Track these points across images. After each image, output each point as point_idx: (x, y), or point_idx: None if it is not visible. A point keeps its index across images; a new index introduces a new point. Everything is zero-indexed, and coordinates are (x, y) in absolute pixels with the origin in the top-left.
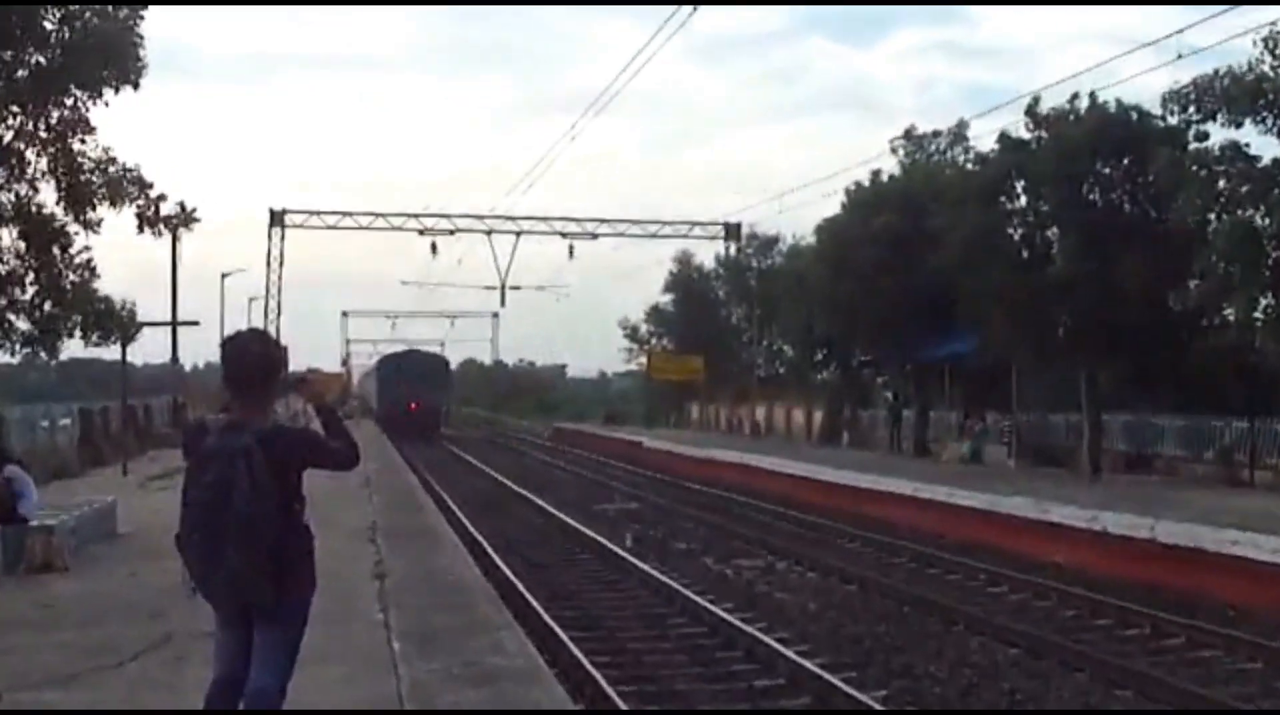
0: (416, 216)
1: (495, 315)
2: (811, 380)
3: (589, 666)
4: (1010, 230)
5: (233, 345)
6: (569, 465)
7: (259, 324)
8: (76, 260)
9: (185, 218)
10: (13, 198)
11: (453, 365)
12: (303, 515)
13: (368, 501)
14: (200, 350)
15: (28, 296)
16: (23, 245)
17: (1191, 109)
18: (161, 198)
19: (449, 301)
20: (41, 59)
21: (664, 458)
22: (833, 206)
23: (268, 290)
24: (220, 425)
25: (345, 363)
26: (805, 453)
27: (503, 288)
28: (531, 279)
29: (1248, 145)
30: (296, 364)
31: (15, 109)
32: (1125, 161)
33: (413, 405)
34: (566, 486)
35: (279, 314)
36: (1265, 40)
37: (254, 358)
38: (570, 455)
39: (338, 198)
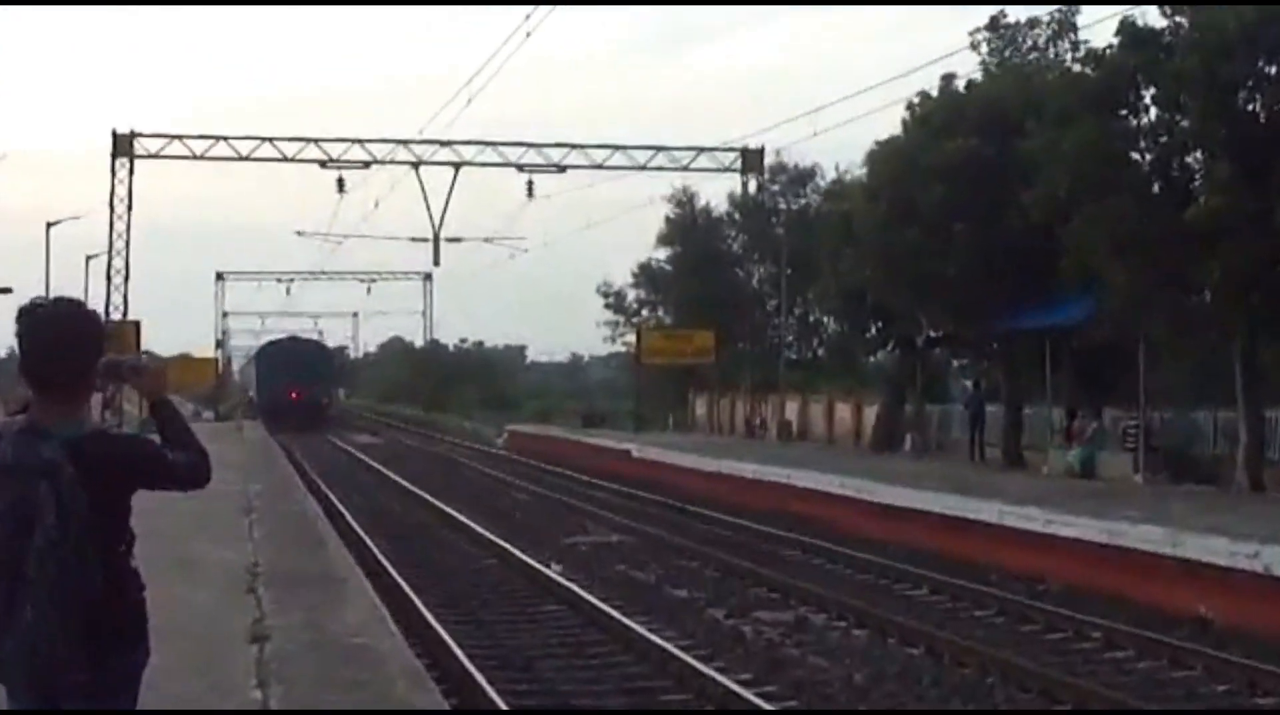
0: (316, 142)
1: (428, 278)
2: (861, 364)
3: None
4: (1136, 155)
5: (31, 320)
6: (527, 481)
7: (100, 288)
8: None
9: None
10: None
11: (374, 344)
12: (130, 557)
13: (247, 532)
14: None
15: None
16: None
17: None
18: None
19: (364, 258)
20: None
21: (659, 472)
22: (889, 125)
23: (111, 244)
24: (14, 431)
25: (220, 345)
26: (852, 463)
27: (436, 240)
28: (476, 229)
29: None
30: (150, 348)
31: None
32: None
33: (293, 395)
34: (525, 510)
35: (126, 277)
36: None
37: (61, 337)
38: (530, 469)
39: (207, 120)
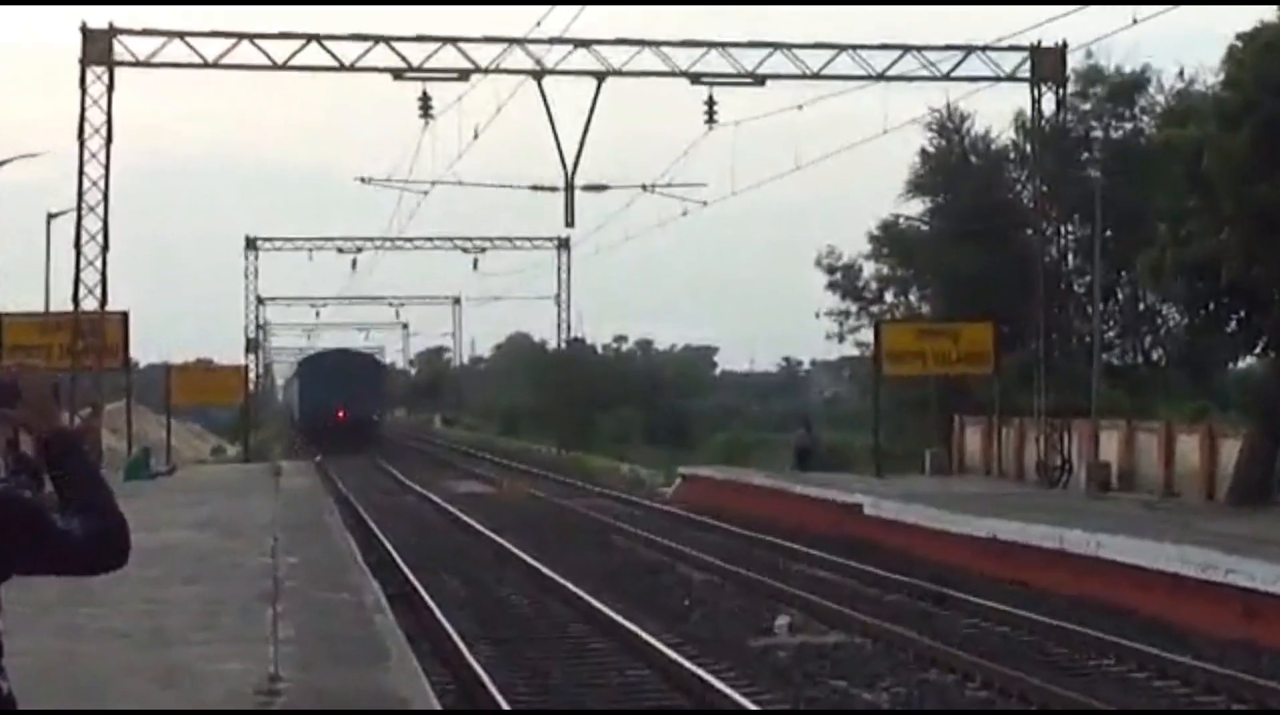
0: (387, 42)
1: (562, 245)
2: (1217, 375)
3: None
4: None
5: None
6: (706, 550)
7: (67, 260)
8: None
9: None
10: None
11: (487, 345)
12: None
13: (269, 628)
14: None
15: None
16: None
17: None
18: None
19: (460, 216)
20: None
21: (904, 537)
22: (1257, 7)
23: (81, 196)
24: None
25: (252, 346)
26: (1208, 525)
27: (569, 188)
28: (630, 172)
29: None
30: (146, 352)
31: None
32: None
33: (340, 413)
34: (701, 596)
35: (105, 245)
36: None
37: None
38: (711, 533)
39: (220, 11)
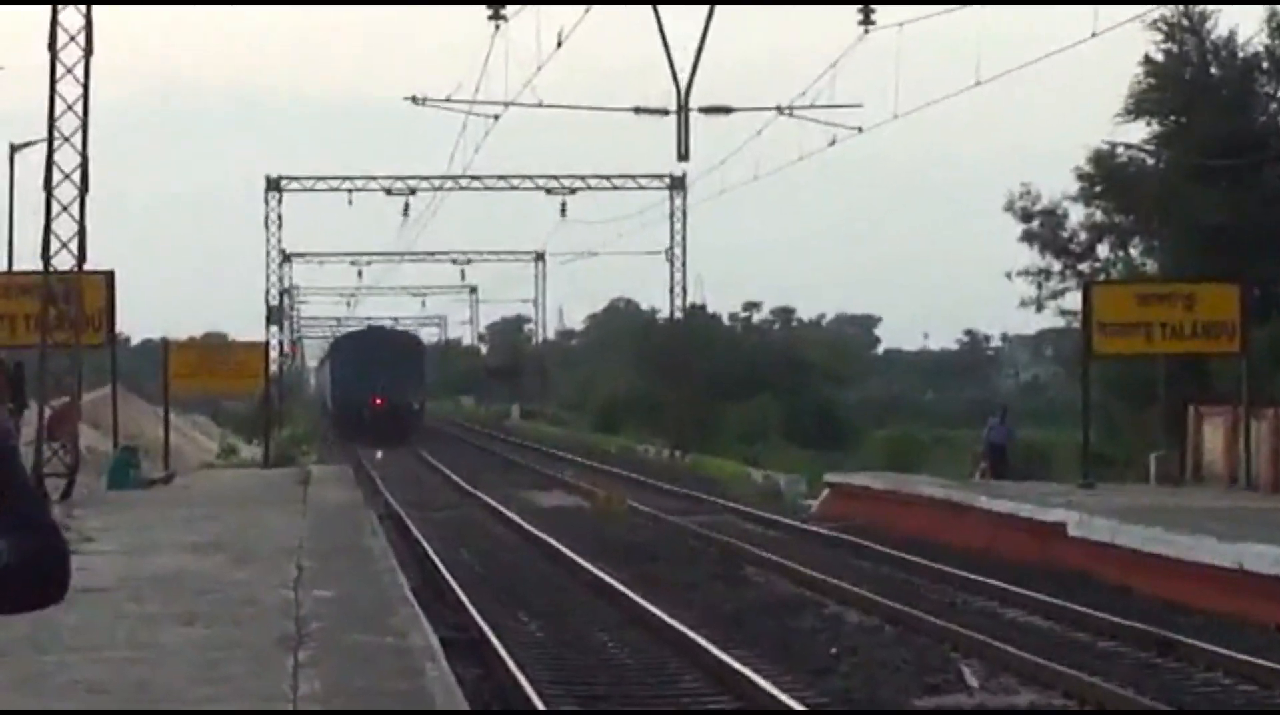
0: None
1: (674, 184)
2: None
3: None
4: None
5: None
6: (863, 583)
7: (38, 206)
8: None
9: None
10: None
11: (579, 315)
12: None
13: (288, 683)
14: None
15: None
16: None
17: None
18: None
19: (541, 151)
20: None
21: (1119, 567)
22: None
23: (51, 124)
24: None
25: (274, 318)
26: None
27: (683, 111)
28: (760, 91)
29: None
30: (138, 326)
31: None
32: None
33: (377, 401)
34: (853, 644)
35: (83, 188)
36: None
37: None
38: (867, 560)
39: None
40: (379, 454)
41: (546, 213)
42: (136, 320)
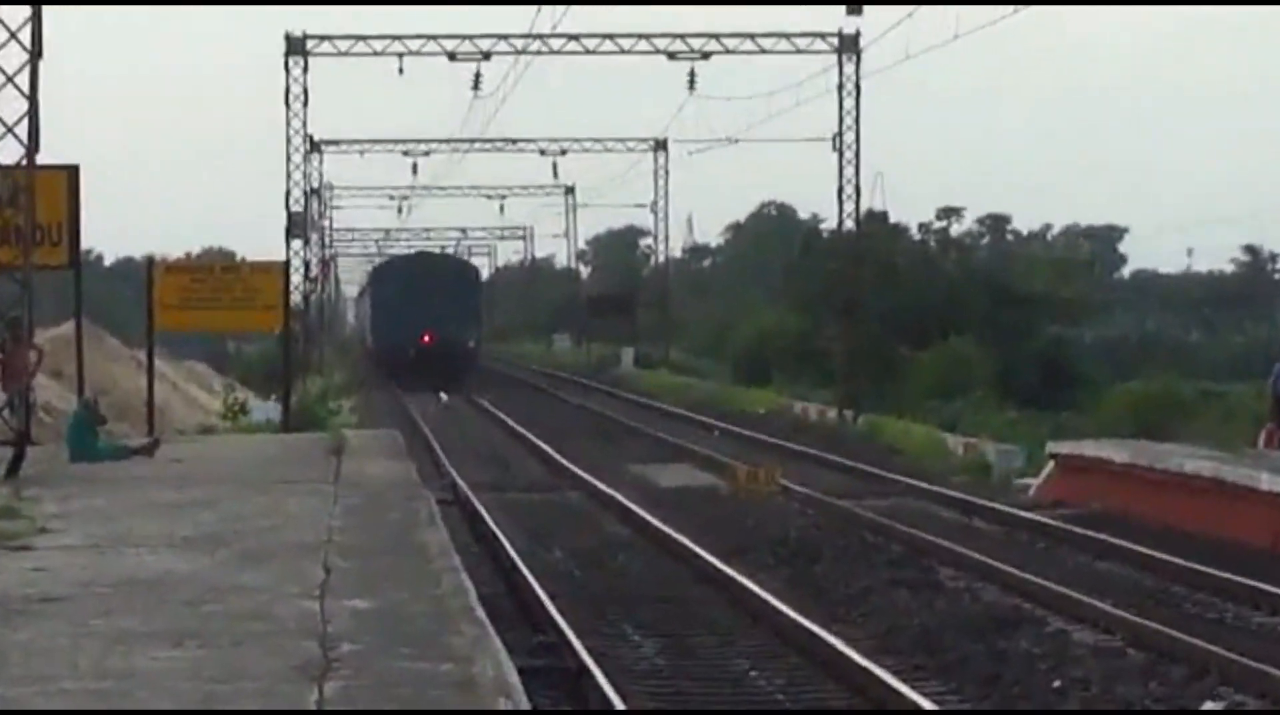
0: None
1: (843, 45)
2: None
3: None
4: None
5: None
6: (1105, 592)
7: None
8: None
9: None
10: None
11: (714, 226)
12: None
13: None
14: None
15: None
16: None
17: None
18: None
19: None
20: None
21: None
22: None
23: None
24: None
25: (294, 231)
26: None
27: None
28: None
29: None
30: (113, 245)
31: None
32: None
33: (425, 338)
34: (1092, 673)
35: (36, 49)
36: None
37: None
38: (1109, 561)
39: None
40: (442, 396)
41: (670, 86)
42: (112, 234)
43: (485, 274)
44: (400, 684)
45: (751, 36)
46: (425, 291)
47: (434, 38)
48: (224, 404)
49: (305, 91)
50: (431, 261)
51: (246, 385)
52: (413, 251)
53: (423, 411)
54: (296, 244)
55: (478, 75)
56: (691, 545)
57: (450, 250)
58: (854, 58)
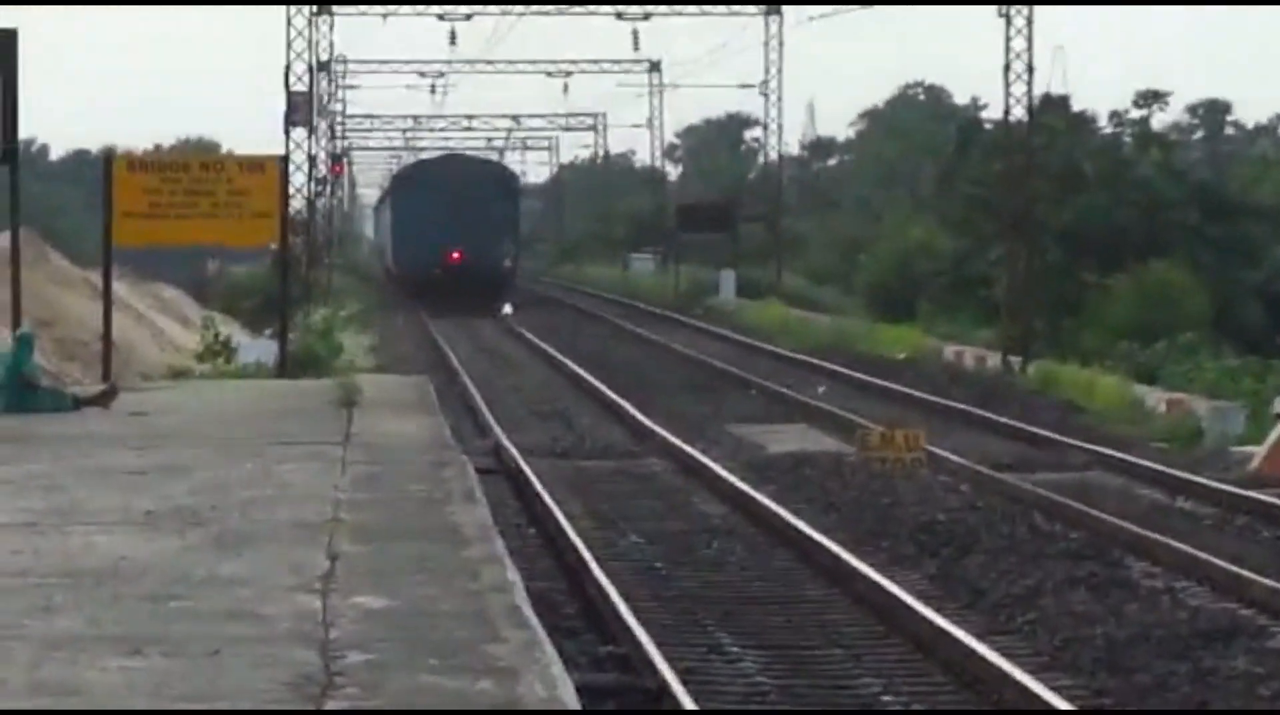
0: None
1: None
2: None
3: None
4: None
5: None
6: None
7: None
8: None
9: None
10: None
11: (843, 113)
12: None
13: None
14: None
15: None
16: None
17: None
18: None
19: None
20: None
21: None
22: None
23: None
24: None
25: (295, 118)
26: None
27: None
28: None
29: None
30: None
31: None
32: None
33: (454, 255)
34: None
35: None
36: None
37: None
38: None
39: None
40: (506, 308)
41: None
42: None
43: (545, 174)
44: (424, 705)
45: None
46: (454, 201)
47: None
48: (202, 341)
49: None
50: (461, 164)
51: (232, 317)
52: (441, 153)
53: (458, 349)
54: (299, 134)
55: None
56: (808, 530)
57: (500, 143)
58: None
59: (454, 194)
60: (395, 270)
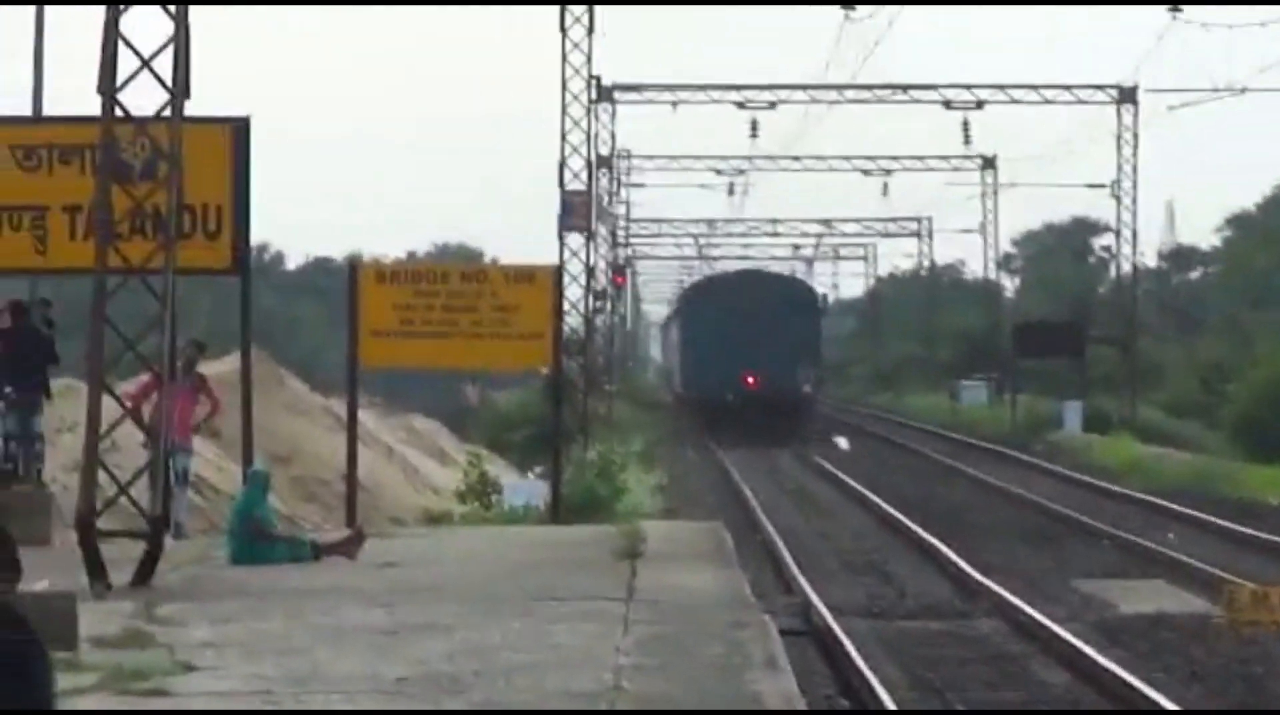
0: None
1: None
2: None
3: None
4: None
5: None
6: None
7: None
8: None
9: None
10: None
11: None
12: None
13: None
14: None
15: None
16: None
17: None
18: None
19: None
20: None
21: None
22: None
23: None
24: None
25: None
26: None
27: None
28: None
29: None
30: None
31: None
32: None
33: (750, 380)
34: None
35: (181, 33)
36: None
37: None
38: None
39: None
40: (841, 442)
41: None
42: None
43: (860, 286)
44: None
45: None
46: (748, 320)
47: None
48: (464, 481)
49: (590, 15)
50: (758, 281)
51: (497, 453)
52: (736, 269)
53: (757, 489)
54: (575, 241)
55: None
56: (1165, 703)
57: (808, 251)
58: None
59: (748, 312)
60: (684, 395)
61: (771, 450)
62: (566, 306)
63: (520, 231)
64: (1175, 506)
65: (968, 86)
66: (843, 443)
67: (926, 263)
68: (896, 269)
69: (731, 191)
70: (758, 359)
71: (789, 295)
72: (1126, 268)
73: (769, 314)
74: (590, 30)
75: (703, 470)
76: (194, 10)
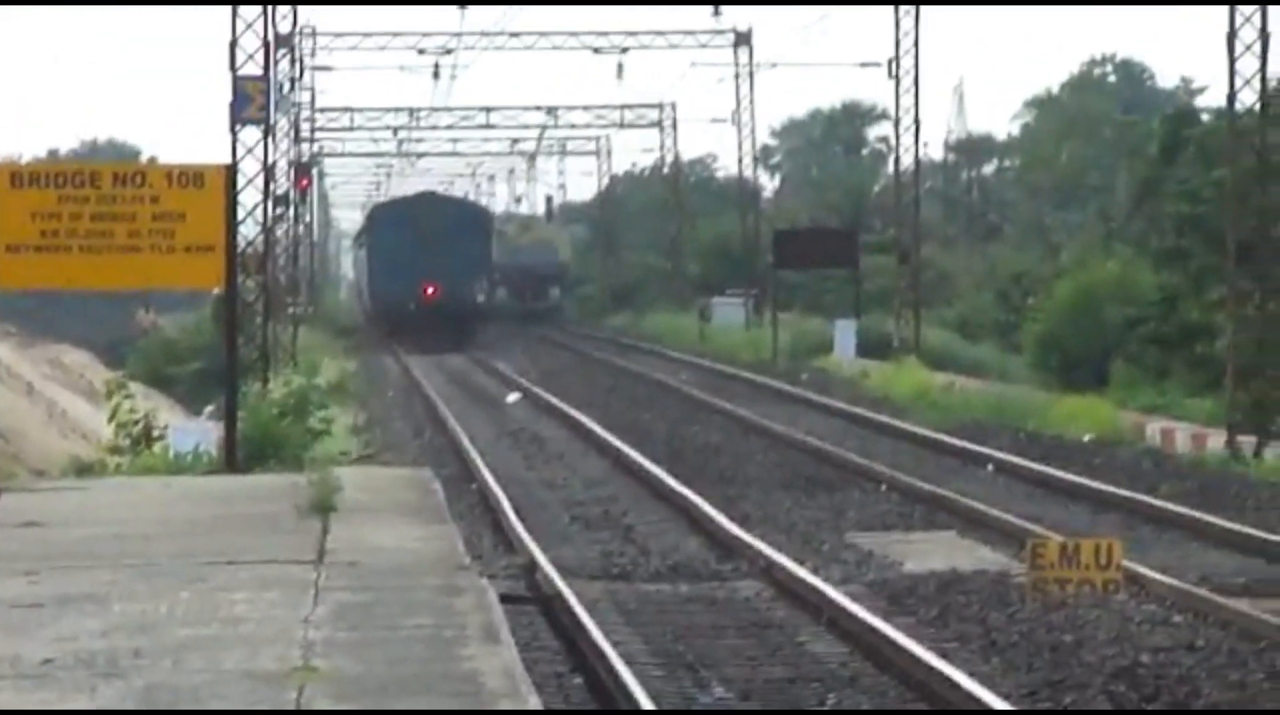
0: None
1: None
2: None
3: None
4: None
5: None
6: None
7: None
8: None
9: None
10: None
11: None
12: None
13: None
14: None
15: None
16: None
17: None
18: None
19: None
20: None
21: None
22: None
23: None
24: None
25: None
26: None
27: None
28: None
29: None
30: None
31: None
32: None
33: (428, 291)
34: None
35: None
36: None
37: None
38: None
39: None
40: (511, 396)
41: None
42: None
43: (592, 188)
44: None
45: None
46: (428, 237)
47: None
48: (117, 423)
49: None
50: (435, 203)
51: (160, 389)
52: (415, 192)
53: (475, 430)
54: (251, 135)
55: None
56: (961, 680)
57: (529, 145)
58: None
59: (428, 230)
60: (369, 306)
61: (496, 392)
62: (242, 214)
63: (187, 128)
64: (968, 445)
65: None
66: (513, 397)
67: (670, 158)
68: (634, 166)
69: (437, 75)
70: (436, 272)
71: (462, 216)
72: (907, 161)
73: (445, 233)
74: None
75: (409, 408)
76: None
